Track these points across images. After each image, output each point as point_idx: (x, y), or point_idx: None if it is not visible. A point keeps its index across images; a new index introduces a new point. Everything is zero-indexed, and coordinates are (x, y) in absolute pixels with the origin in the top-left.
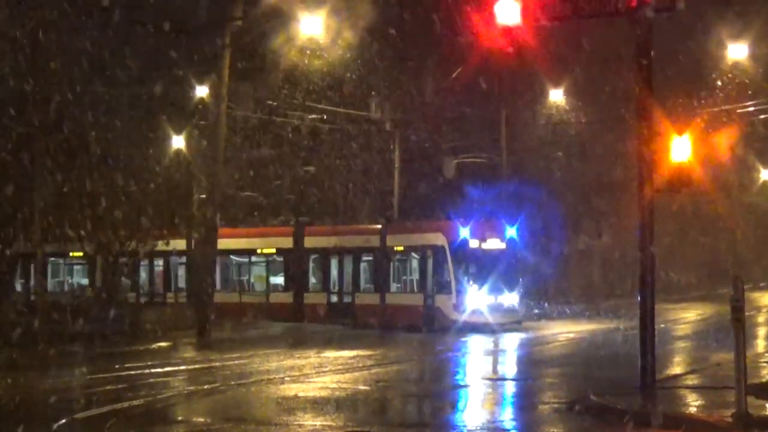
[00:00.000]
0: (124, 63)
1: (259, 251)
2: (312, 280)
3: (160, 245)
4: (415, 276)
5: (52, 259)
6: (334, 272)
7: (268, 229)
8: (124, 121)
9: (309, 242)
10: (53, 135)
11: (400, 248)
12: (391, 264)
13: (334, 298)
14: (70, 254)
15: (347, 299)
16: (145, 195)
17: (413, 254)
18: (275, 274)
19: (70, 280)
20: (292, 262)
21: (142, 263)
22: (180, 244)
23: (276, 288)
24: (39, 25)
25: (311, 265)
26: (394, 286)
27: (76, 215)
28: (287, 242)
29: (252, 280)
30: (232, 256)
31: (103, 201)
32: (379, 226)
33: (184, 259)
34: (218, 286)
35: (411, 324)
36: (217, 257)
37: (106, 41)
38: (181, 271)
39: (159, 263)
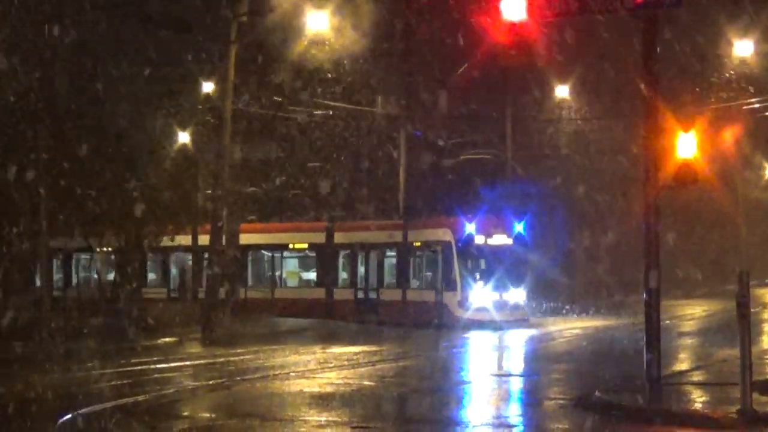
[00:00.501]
0: (130, 58)
1: (291, 246)
2: (342, 275)
3: (166, 241)
4: (427, 272)
5: (76, 254)
6: (361, 268)
7: (301, 224)
8: (130, 117)
9: (338, 238)
10: (59, 130)
11: (418, 244)
12: (411, 260)
13: (361, 294)
14: (99, 249)
15: (372, 295)
16: (150, 190)
17: (424, 250)
18: (307, 270)
19: (94, 276)
20: (324, 258)
21: (149, 259)
22: (187, 239)
23: (307, 284)
24: (45, 20)
25: (341, 260)
26: (413, 283)
27: (81, 210)
28: (320, 237)
29: (283, 275)
30: (262, 251)
31: (107, 197)
32: (401, 222)
33: (190, 255)
34: (250, 281)
35: (426, 320)
36: (249, 252)
37: (111, 36)
38: (189, 267)
39: (165, 260)
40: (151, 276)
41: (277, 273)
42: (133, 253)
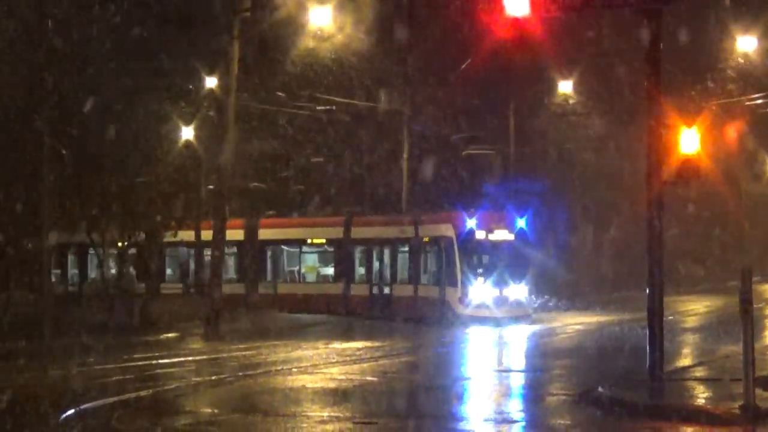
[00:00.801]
0: (132, 54)
1: (310, 241)
2: (360, 271)
3: (169, 236)
4: (429, 268)
5: (92, 249)
6: (376, 263)
7: (319, 219)
8: (133, 111)
9: (355, 233)
10: (61, 125)
11: (421, 240)
12: (411, 256)
13: (375, 290)
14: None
15: (375, 291)
16: (153, 185)
17: (426, 246)
18: (324, 265)
19: (112, 271)
20: (341, 254)
21: (167, 255)
22: (190, 235)
23: (325, 279)
24: (48, 15)
25: (357, 256)
26: (414, 279)
27: (83, 205)
28: (338, 232)
29: (302, 270)
30: (279, 247)
31: (109, 191)
32: (402, 218)
33: (194, 250)
34: (268, 277)
35: (429, 316)
36: (266, 247)
37: (114, 32)
38: (192, 262)
39: (179, 255)
40: (168, 272)
41: (293, 268)
42: (142, 248)
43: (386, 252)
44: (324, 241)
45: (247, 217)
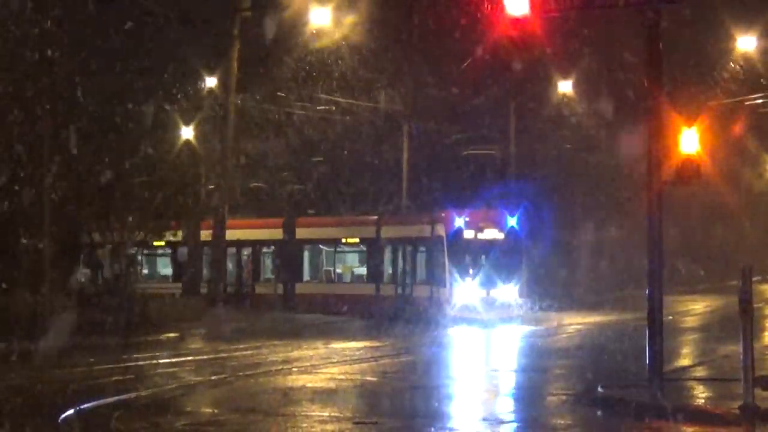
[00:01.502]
0: (133, 53)
1: (344, 241)
2: (388, 271)
3: (169, 235)
4: (420, 267)
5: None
6: (400, 264)
7: (351, 218)
8: (134, 111)
9: (385, 232)
10: (63, 124)
11: (410, 239)
12: (401, 256)
13: (400, 290)
14: (154, 243)
15: (384, 291)
16: (152, 185)
17: (416, 246)
18: (358, 266)
19: (145, 271)
20: (371, 254)
21: (155, 254)
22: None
23: (358, 279)
24: (48, 15)
25: (358, 255)
26: (417, 278)
27: (85, 205)
28: (370, 232)
29: (338, 270)
30: (306, 246)
31: (109, 191)
32: (394, 217)
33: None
34: (306, 276)
35: (420, 316)
36: (300, 247)
37: (114, 31)
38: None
39: (170, 254)
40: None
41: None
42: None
43: (384, 252)
44: (357, 240)
45: (285, 216)
